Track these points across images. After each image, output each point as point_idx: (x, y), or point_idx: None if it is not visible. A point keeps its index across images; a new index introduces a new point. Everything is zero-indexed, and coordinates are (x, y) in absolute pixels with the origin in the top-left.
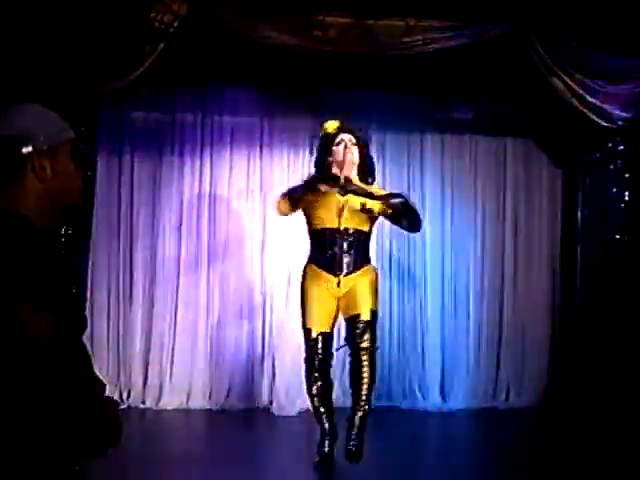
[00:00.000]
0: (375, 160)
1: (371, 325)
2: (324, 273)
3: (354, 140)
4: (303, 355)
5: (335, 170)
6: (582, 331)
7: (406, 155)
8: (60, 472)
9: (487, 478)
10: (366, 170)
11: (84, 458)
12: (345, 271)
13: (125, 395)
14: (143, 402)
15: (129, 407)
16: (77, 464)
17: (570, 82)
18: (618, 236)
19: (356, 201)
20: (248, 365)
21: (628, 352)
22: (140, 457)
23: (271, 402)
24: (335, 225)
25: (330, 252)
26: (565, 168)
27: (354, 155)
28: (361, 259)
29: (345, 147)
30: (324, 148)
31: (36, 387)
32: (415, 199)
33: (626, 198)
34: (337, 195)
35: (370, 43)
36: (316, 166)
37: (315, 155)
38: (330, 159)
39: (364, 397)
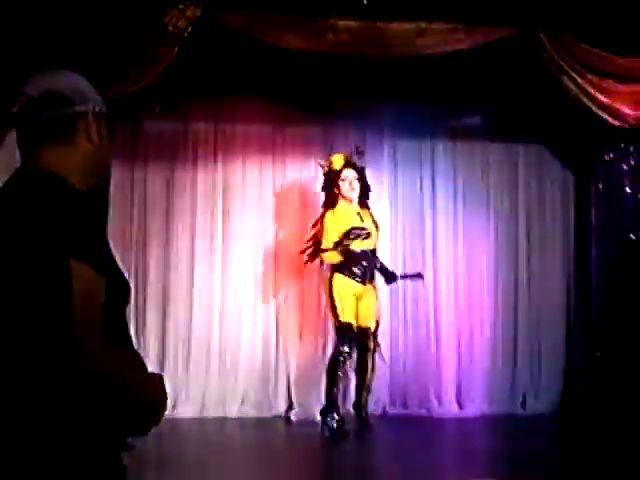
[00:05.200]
0: (387, 167)
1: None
2: None
3: (357, 175)
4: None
5: (342, 202)
6: (598, 332)
7: (418, 161)
8: (105, 457)
9: None
10: (364, 194)
11: (127, 434)
12: None
13: None
14: None
15: None
16: (123, 449)
17: (581, 81)
18: (633, 235)
19: None
20: (263, 373)
21: None
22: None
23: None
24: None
25: None
26: (578, 169)
27: (356, 190)
28: None
29: (350, 183)
30: (331, 183)
31: (79, 343)
32: (427, 206)
33: None
34: None
35: (383, 45)
36: (326, 198)
37: (322, 187)
38: (336, 191)
39: None
